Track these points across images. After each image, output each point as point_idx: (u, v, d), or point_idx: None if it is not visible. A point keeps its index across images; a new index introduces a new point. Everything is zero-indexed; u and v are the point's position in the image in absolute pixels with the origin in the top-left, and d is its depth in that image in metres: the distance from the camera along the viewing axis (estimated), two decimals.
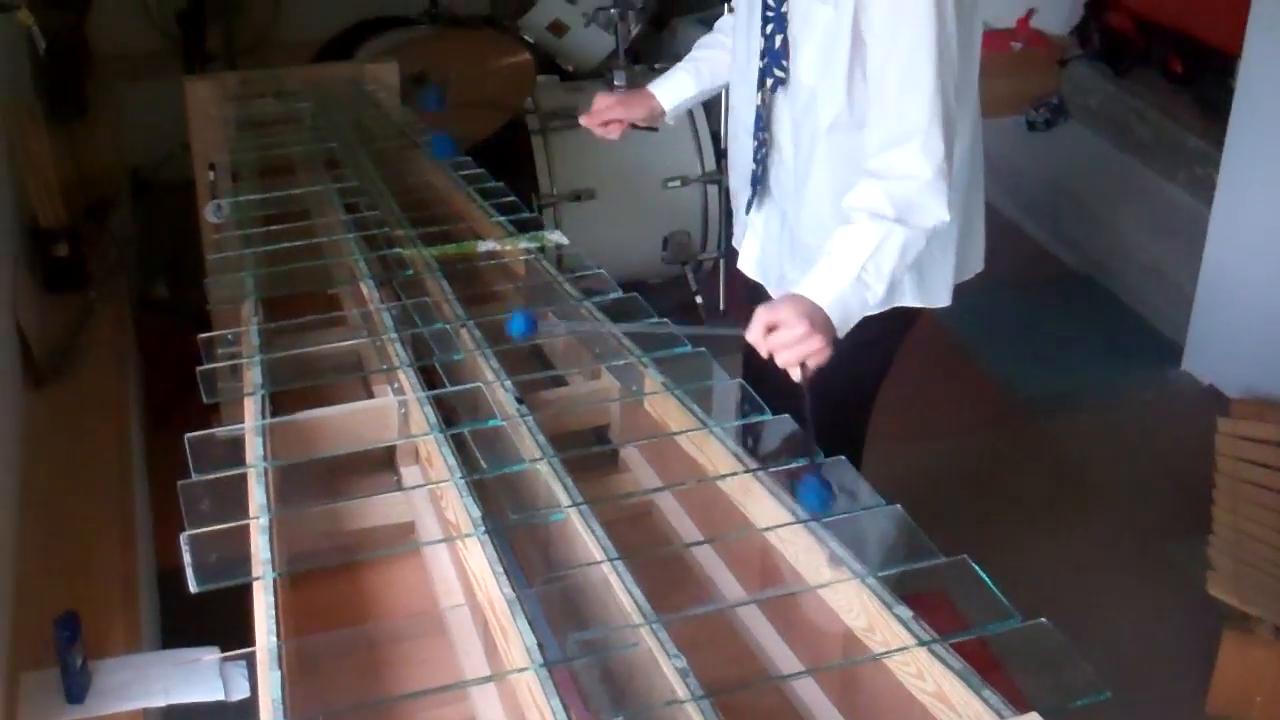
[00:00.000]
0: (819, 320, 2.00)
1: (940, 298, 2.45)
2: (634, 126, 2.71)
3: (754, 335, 1.99)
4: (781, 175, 2.42)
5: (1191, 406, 4.14)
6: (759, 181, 2.47)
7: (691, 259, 4.48)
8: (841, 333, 2.05)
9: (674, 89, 2.68)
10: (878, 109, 2.14)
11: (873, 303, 2.09)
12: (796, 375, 1.97)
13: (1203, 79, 5.04)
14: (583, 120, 2.69)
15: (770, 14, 2.28)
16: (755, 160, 2.45)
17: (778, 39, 2.28)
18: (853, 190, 2.14)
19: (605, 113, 2.66)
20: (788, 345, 1.97)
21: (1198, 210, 4.44)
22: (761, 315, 2.00)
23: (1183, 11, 5.32)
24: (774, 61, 2.30)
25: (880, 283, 2.07)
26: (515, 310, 2.06)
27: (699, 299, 4.48)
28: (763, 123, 2.39)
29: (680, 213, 4.41)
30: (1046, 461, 4.00)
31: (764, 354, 1.99)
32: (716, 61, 2.63)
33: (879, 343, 2.52)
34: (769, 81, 2.32)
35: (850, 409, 2.64)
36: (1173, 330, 4.48)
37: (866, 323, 2.38)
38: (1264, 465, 3.52)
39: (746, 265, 2.61)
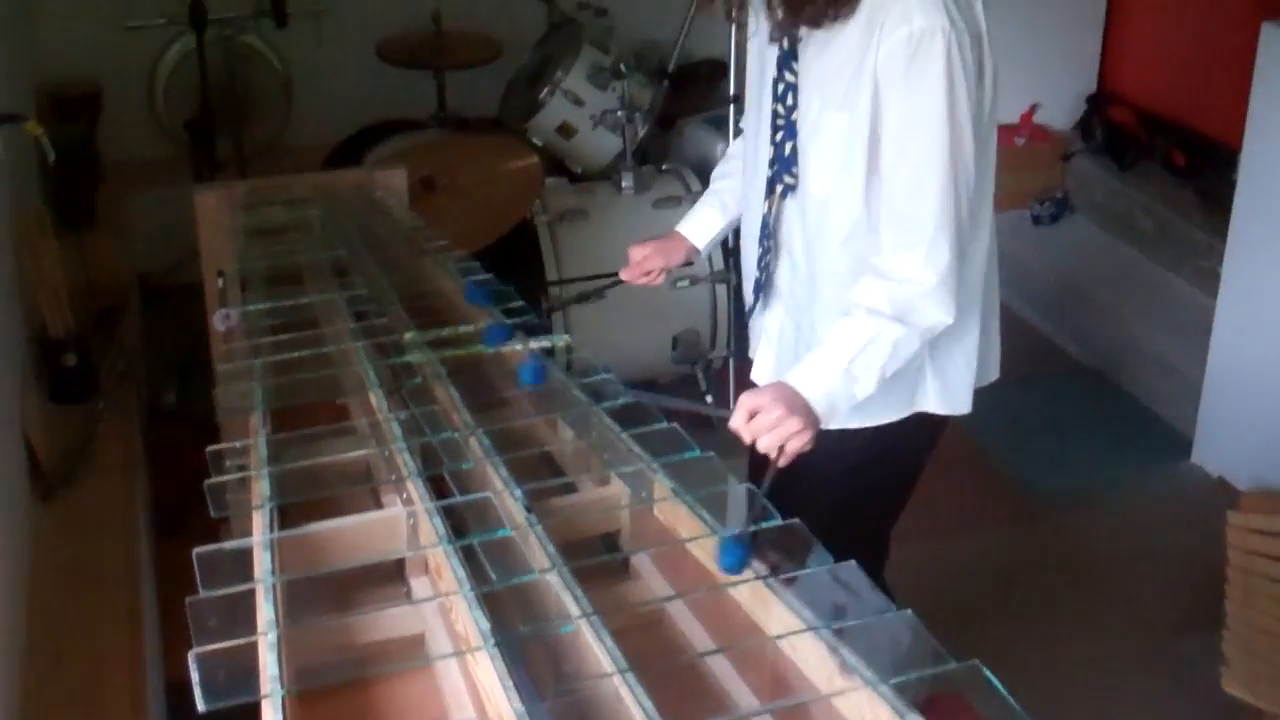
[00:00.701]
0: (798, 405, 2.07)
1: (962, 404, 2.45)
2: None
3: (736, 421, 2.07)
4: (795, 284, 2.43)
5: (1202, 499, 4.12)
6: (763, 288, 2.48)
7: (701, 358, 4.49)
8: (827, 422, 2.10)
9: (703, 226, 2.70)
10: (888, 210, 2.18)
11: (861, 396, 2.13)
12: (775, 458, 2.04)
13: (1205, 172, 5.10)
14: (624, 275, 2.72)
15: (780, 121, 2.31)
16: (759, 268, 2.46)
17: (787, 146, 2.30)
18: (857, 285, 2.18)
19: (645, 263, 2.69)
20: (767, 429, 2.05)
21: (1203, 303, 4.46)
22: (744, 401, 2.08)
23: (1184, 106, 5.38)
24: (783, 169, 2.32)
25: (870, 376, 2.11)
26: (523, 363, 2.12)
27: (709, 398, 4.48)
28: (769, 229, 2.40)
29: (690, 312, 4.42)
30: (1060, 556, 3.98)
31: (746, 439, 2.07)
32: (737, 190, 2.62)
33: (902, 450, 2.52)
34: (778, 188, 2.34)
35: (874, 515, 2.63)
36: (1182, 423, 4.47)
37: (891, 430, 2.36)
38: (1275, 558, 3.50)
39: (761, 374, 2.59)
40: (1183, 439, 4.42)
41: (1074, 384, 4.90)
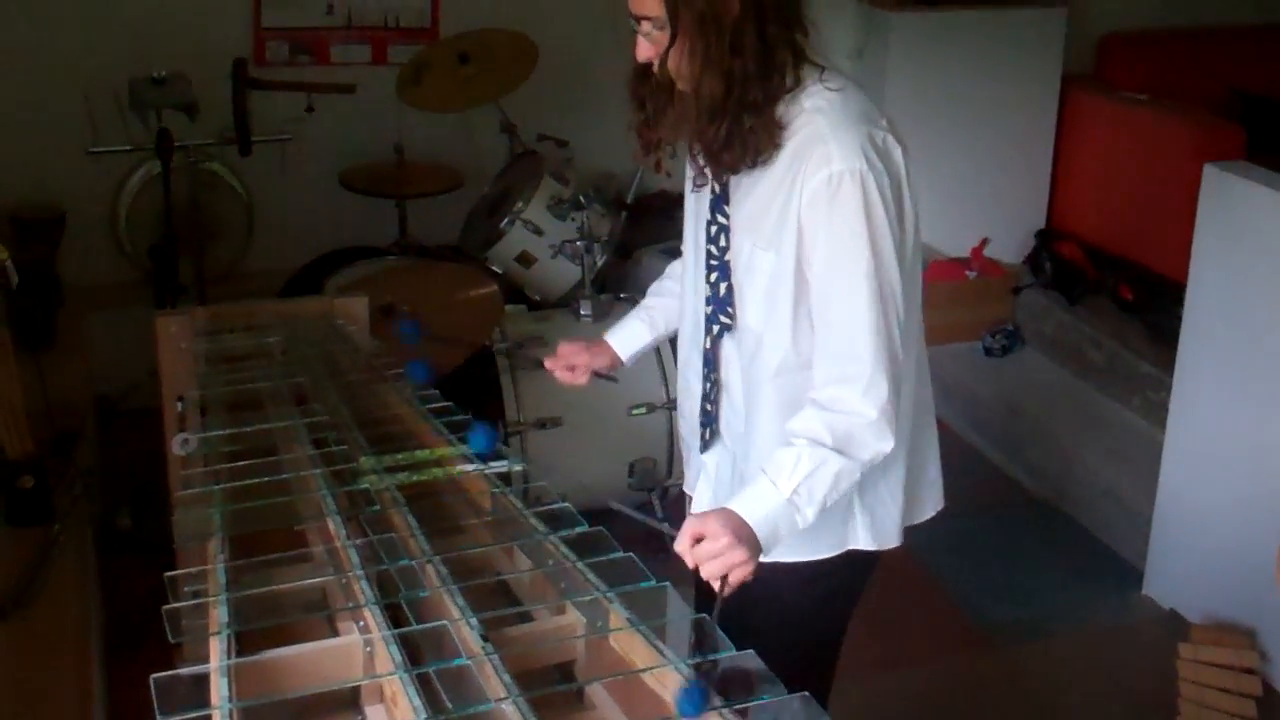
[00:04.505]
0: (744, 535, 2.10)
1: (890, 538, 2.47)
2: (595, 374, 2.80)
3: (681, 545, 2.11)
4: (731, 419, 2.48)
5: (1153, 631, 4.15)
6: (710, 423, 2.52)
7: (658, 485, 4.50)
8: (768, 551, 2.13)
9: (629, 337, 2.78)
10: (822, 348, 2.24)
11: (802, 525, 2.16)
12: (719, 587, 2.06)
13: (1152, 307, 5.20)
14: (547, 363, 2.79)
15: (714, 262, 2.38)
16: (708, 401, 2.50)
17: (722, 286, 2.37)
18: (797, 415, 2.22)
19: (570, 357, 2.76)
20: (712, 556, 2.08)
21: (1153, 435, 4.51)
22: (690, 525, 2.12)
23: (1130, 242, 5.50)
24: (719, 309, 2.39)
25: (811, 506, 2.15)
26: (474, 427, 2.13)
27: (665, 525, 4.49)
28: (711, 366, 2.46)
29: (646, 439, 4.45)
30: (1011, 687, 3.98)
31: (690, 564, 2.10)
32: (669, 309, 2.71)
33: (842, 592, 2.55)
34: (715, 328, 2.41)
35: (819, 659, 2.63)
36: (1133, 555, 4.50)
37: (828, 573, 2.38)
38: (1226, 690, 3.53)
39: (700, 510, 2.58)
40: (1134, 571, 4.44)
41: (1025, 515, 4.93)
